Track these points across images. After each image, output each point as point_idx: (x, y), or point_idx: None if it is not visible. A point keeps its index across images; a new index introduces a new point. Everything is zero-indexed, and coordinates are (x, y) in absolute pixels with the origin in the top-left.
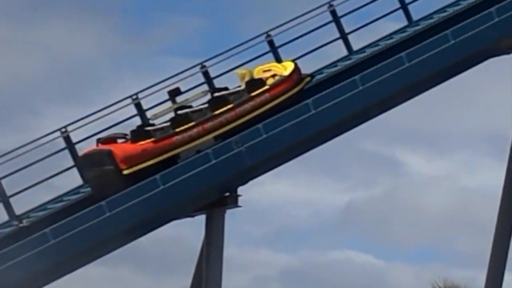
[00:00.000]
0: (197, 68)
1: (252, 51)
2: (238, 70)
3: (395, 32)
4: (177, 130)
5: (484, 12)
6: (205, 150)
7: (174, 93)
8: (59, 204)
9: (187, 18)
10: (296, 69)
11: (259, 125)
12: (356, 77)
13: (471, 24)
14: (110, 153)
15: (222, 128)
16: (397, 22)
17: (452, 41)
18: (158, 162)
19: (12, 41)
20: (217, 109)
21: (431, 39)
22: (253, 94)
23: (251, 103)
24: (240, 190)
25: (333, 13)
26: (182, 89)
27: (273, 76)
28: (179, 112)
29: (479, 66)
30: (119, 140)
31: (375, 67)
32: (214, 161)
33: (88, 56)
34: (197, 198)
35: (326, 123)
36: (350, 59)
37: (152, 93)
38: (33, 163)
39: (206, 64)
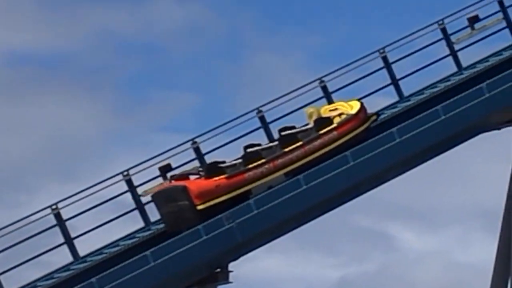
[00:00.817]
0: (188, 144)
1: (244, 126)
2: (306, 109)
3: (386, 108)
4: (249, 166)
5: (474, 88)
6: (276, 186)
7: (165, 170)
8: (49, 282)
9: (181, 95)
10: (362, 108)
11: (250, 201)
12: (347, 152)
13: (461, 100)
14: (185, 188)
15: (292, 164)
16: (388, 97)
17: (443, 117)
18: (231, 197)
19: (5, 117)
20: (287, 147)
21: (422, 114)
22: (322, 132)
23: (320, 141)
24: (232, 265)
25: (324, 88)
26: (174, 165)
27: (340, 115)
28: (249, 150)
29: (470, 141)
30: (192, 177)
31: (367, 142)
32: (205, 237)
33: (81, 132)
34: (188, 274)
35: (317, 198)
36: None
37: (144, 169)
38: (23, 240)
39: (197, 140)
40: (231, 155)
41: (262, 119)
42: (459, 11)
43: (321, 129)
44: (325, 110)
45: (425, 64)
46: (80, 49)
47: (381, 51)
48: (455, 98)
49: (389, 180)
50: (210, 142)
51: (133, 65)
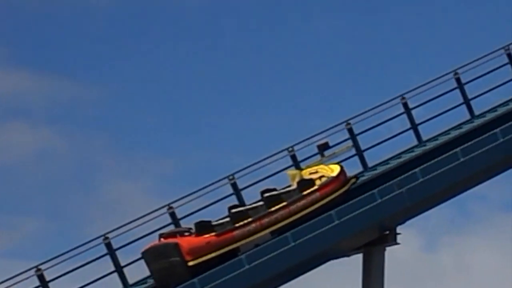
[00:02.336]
0: (32, 272)
1: (92, 252)
2: (288, 171)
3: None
4: (237, 225)
5: (324, 215)
6: (263, 244)
7: None
8: None
9: (28, 220)
10: (342, 171)
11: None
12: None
13: (311, 227)
14: (176, 245)
15: (278, 223)
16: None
17: (292, 243)
18: (220, 254)
19: None
20: (272, 206)
21: (272, 241)
22: (305, 193)
23: (303, 201)
24: None
25: (173, 215)
26: None
27: (321, 177)
28: (235, 210)
29: (320, 268)
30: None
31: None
32: None
33: None
34: None
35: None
36: None
37: None
38: None
39: (41, 267)
40: (78, 282)
41: (108, 245)
42: (309, 138)
43: (304, 190)
44: (306, 173)
45: None
46: None
47: (231, 177)
48: (305, 225)
49: None
50: (55, 269)
51: None
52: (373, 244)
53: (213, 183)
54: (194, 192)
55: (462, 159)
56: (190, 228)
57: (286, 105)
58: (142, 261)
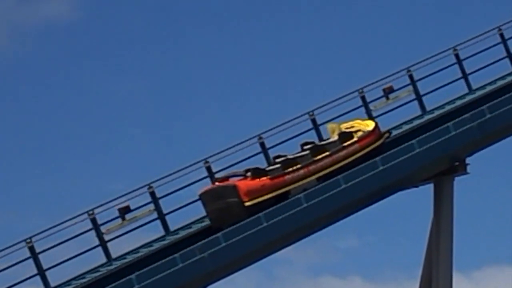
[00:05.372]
0: None
1: None
2: (328, 125)
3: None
4: (288, 170)
5: (123, 279)
6: (311, 189)
7: None
8: None
9: None
10: (377, 126)
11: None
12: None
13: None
14: (235, 187)
15: (323, 170)
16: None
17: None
18: (273, 196)
19: None
20: (317, 155)
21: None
22: (345, 144)
23: (345, 151)
24: None
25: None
26: None
27: (357, 131)
28: (283, 158)
29: None
30: (232, 178)
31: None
32: None
33: None
34: None
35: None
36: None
37: None
38: None
39: None
40: None
41: None
42: (111, 201)
43: (345, 142)
44: (344, 127)
45: (75, 254)
46: None
47: (28, 241)
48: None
49: None
50: None
51: None
52: None
53: (9, 247)
54: None
55: (265, 224)
56: (246, 171)
57: (85, 168)
58: None
